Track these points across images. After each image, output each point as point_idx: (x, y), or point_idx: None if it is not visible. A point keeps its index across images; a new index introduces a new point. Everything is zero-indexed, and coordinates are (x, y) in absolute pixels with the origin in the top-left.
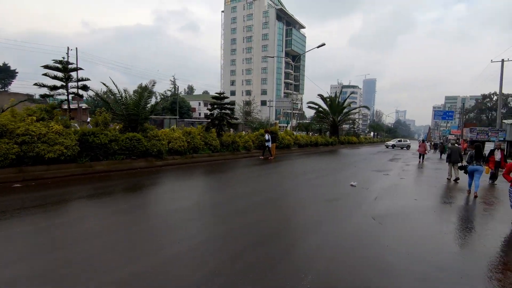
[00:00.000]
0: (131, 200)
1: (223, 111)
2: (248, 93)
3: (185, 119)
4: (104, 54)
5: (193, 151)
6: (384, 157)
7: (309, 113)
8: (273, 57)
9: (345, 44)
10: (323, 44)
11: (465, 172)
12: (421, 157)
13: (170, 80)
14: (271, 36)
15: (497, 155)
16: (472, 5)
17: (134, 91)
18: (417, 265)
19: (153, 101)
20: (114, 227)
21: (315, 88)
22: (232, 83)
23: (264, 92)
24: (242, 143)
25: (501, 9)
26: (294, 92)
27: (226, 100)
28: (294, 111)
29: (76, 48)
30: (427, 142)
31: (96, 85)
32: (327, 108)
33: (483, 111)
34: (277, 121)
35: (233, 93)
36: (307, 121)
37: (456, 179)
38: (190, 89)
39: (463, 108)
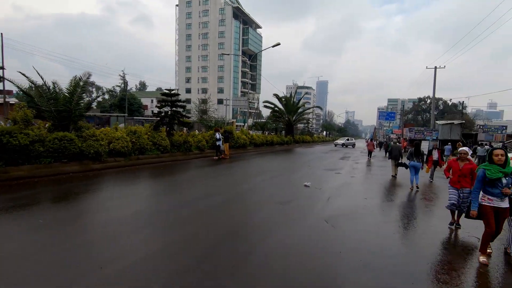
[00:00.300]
0: (57, 212)
1: (174, 108)
2: (204, 91)
3: (135, 117)
4: (42, 44)
5: (139, 152)
6: (335, 155)
7: (266, 112)
8: (228, 54)
9: (299, 46)
10: (278, 44)
11: (406, 167)
12: (370, 154)
13: (120, 75)
14: (227, 34)
15: (435, 155)
16: (409, 18)
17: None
18: (370, 272)
19: (99, 96)
20: (40, 245)
21: (271, 88)
22: (188, 80)
23: (220, 91)
24: (195, 143)
25: (432, 23)
26: (251, 91)
27: (181, 97)
28: (251, 110)
29: (1, 34)
30: (374, 141)
31: (32, 78)
32: (282, 108)
33: (419, 113)
34: (235, 120)
35: (188, 90)
36: (263, 121)
37: (394, 174)
38: (143, 85)
39: (403, 110)
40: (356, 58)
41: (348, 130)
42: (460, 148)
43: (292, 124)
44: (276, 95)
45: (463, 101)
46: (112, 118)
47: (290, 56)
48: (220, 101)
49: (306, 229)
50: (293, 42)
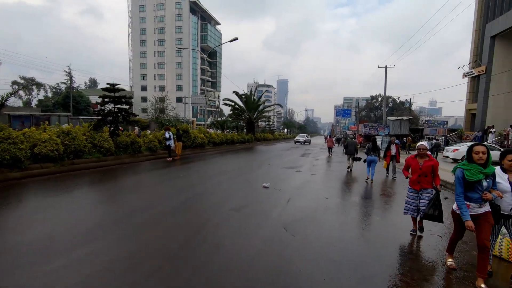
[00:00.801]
0: None
1: (118, 105)
2: (162, 89)
3: (82, 117)
4: None
5: (74, 155)
6: (296, 153)
7: (227, 110)
8: (184, 48)
9: (260, 46)
10: (236, 39)
11: (364, 161)
12: (330, 150)
13: (65, 70)
14: (185, 29)
15: (393, 150)
16: (361, 21)
17: None
18: None
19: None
20: None
21: (232, 86)
22: (143, 77)
23: (179, 88)
24: (145, 143)
25: (381, 27)
26: (211, 89)
27: (136, 95)
28: (212, 109)
29: None
30: (333, 137)
31: None
32: (243, 105)
33: (372, 110)
34: (195, 119)
35: (144, 88)
36: (223, 119)
37: (349, 168)
38: (93, 82)
39: (357, 107)
40: (314, 58)
41: (307, 127)
42: (419, 143)
43: (253, 122)
44: (236, 93)
45: (410, 99)
46: (54, 117)
47: (251, 55)
48: (179, 99)
49: (262, 241)
50: (253, 41)
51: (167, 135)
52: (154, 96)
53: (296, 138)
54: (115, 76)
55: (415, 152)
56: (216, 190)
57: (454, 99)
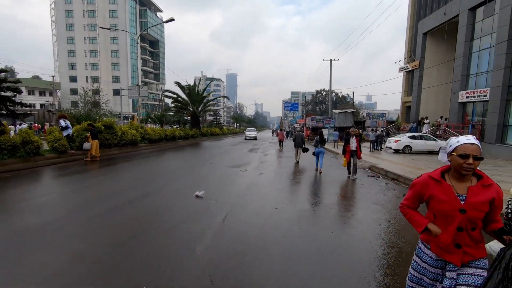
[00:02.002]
0: None
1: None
2: (96, 80)
3: None
4: None
5: None
6: (244, 148)
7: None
8: (109, 29)
9: (208, 38)
10: (172, 19)
11: (313, 154)
12: (281, 143)
13: None
14: (120, 14)
15: (353, 144)
16: (305, 19)
17: None
18: None
19: None
20: None
21: (178, 79)
22: (72, 66)
23: (116, 80)
24: (50, 142)
25: (323, 25)
26: (154, 82)
27: (63, 86)
28: (155, 102)
29: None
30: (283, 131)
31: None
32: (186, 98)
33: (317, 104)
34: (135, 114)
35: (73, 79)
36: (161, 112)
37: (297, 159)
38: (10, 73)
39: (304, 101)
40: (263, 53)
41: (257, 121)
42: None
43: (198, 116)
44: (178, 84)
45: (353, 92)
46: None
47: (199, 48)
48: (117, 92)
49: None
50: (201, 34)
51: (62, 123)
52: (83, 88)
53: (247, 133)
54: (40, 65)
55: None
56: (132, 207)
57: (388, 94)
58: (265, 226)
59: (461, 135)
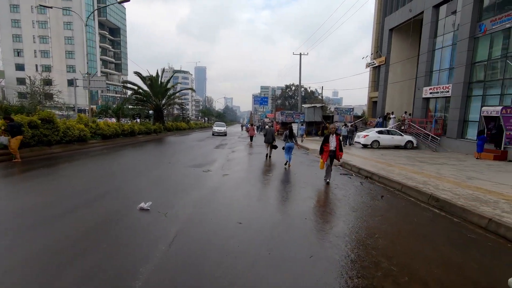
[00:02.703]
0: None
1: None
2: (47, 69)
3: None
4: None
5: None
6: (210, 143)
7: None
8: (52, 7)
9: (175, 30)
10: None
11: (283, 148)
12: (251, 139)
13: None
14: None
15: (333, 143)
16: (274, 14)
17: None
18: None
19: None
20: None
21: (142, 70)
22: (18, 53)
23: (71, 69)
24: None
25: (292, 21)
26: (115, 72)
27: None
28: (116, 95)
29: None
30: (254, 125)
31: None
32: (148, 90)
33: (287, 99)
34: (95, 107)
35: (20, 67)
36: (117, 105)
37: (268, 155)
38: None
39: (274, 95)
40: (232, 47)
41: (227, 115)
42: None
43: (162, 109)
44: (138, 74)
45: (322, 87)
46: None
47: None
48: (71, 83)
49: None
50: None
51: None
52: (29, 77)
53: (215, 128)
54: None
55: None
56: (52, 230)
57: (354, 89)
58: (225, 252)
59: (425, 129)
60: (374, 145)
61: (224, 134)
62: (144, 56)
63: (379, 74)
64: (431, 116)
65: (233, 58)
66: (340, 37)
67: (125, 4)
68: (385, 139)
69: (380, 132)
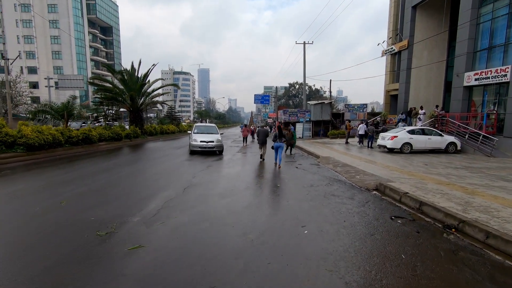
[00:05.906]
0: None
1: None
2: (33, 71)
3: None
4: None
5: None
6: (186, 152)
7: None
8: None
9: (178, 32)
10: None
11: (272, 148)
12: (245, 140)
13: None
14: None
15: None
16: (276, 14)
17: None
18: None
19: None
20: None
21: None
22: (2, 55)
23: (59, 71)
24: None
25: (292, 20)
26: (108, 73)
27: None
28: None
29: None
30: (253, 127)
31: None
32: (122, 86)
33: (290, 98)
34: (85, 110)
35: (3, 70)
36: (64, 104)
37: (262, 157)
38: None
39: (276, 93)
40: (236, 47)
41: (230, 117)
42: None
43: (140, 110)
44: (107, 67)
45: (330, 80)
46: None
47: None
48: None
49: None
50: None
51: None
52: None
53: (198, 138)
54: None
55: None
56: None
57: (359, 89)
58: None
59: (470, 127)
60: (405, 149)
61: (218, 149)
62: (147, 58)
63: (399, 62)
64: (475, 110)
65: (237, 58)
66: (345, 36)
67: (125, 5)
68: (419, 141)
69: (412, 132)
